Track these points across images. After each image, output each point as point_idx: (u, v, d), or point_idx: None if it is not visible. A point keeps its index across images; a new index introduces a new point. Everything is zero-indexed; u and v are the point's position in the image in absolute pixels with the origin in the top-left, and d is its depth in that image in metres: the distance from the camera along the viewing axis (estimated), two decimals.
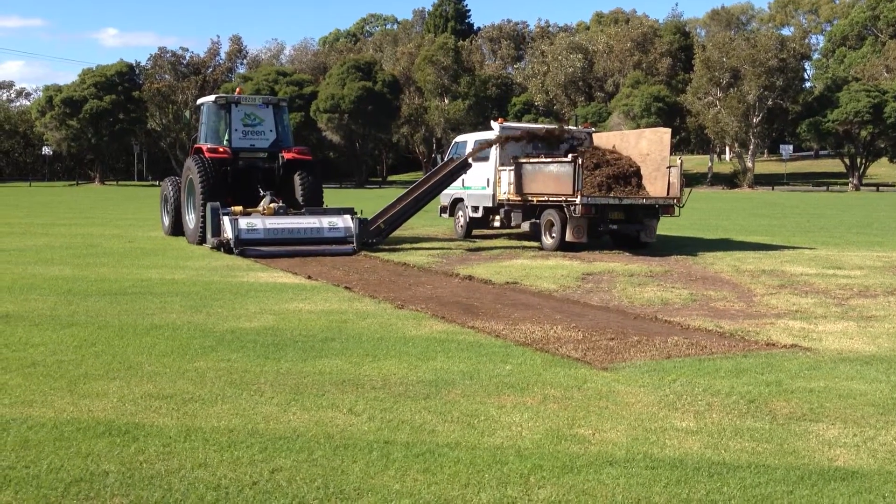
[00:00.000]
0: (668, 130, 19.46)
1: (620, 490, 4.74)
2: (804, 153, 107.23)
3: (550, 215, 18.65)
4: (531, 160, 19.33)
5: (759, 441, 5.57)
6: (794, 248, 19.40)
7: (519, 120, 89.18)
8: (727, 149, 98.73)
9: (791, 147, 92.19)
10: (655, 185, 18.67)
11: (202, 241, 19.06)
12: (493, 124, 21.09)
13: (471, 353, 8.00)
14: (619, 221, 18.51)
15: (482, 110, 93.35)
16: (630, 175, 18.82)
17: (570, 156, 18.13)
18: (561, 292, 12.24)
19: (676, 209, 18.66)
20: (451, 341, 8.56)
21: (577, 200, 17.43)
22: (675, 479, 4.90)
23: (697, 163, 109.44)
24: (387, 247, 19.01)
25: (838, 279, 13.72)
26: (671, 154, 19.02)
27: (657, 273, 14.46)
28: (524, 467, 5.05)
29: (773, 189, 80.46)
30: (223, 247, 17.67)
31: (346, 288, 12.44)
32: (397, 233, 22.28)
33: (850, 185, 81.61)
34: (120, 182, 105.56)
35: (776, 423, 5.96)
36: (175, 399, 6.38)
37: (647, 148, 19.11)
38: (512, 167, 19.57)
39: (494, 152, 20.49)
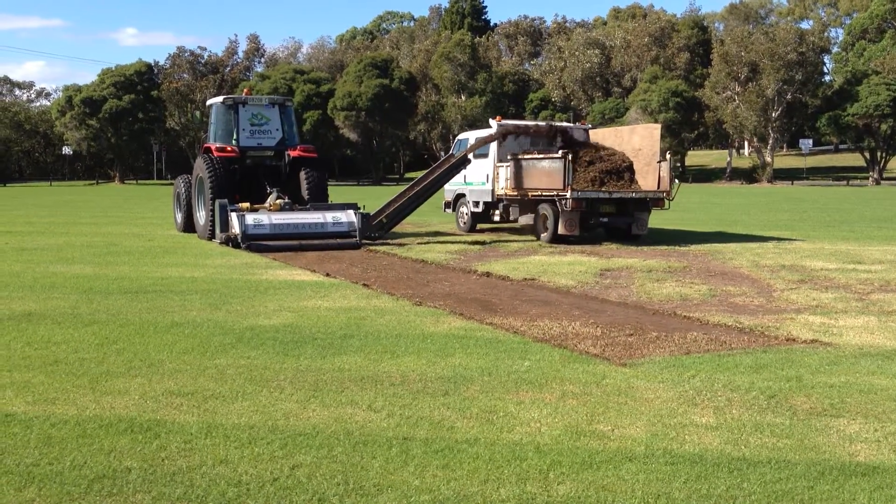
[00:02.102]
0: (659, 126, 20.27)
1: (640, 486, 4.74)
2: (824, 147, 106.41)
3: (545, 209, 19.42)
4: (525, 156, 20.11)
5: (780, 436, 5.55)
6: (813, 242, 19.28)
7: (536, 116, 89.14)
8: (746, 143, 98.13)
9: (810, 141, 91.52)
10: (647, 179, 19.36)
11: (212, 236, 19.67)
12: (492, 122, 21.84)
13: (489, 350, 8.01)
14: (610, 214, 19.34)
15: (499, 107, 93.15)
16: (623, 170, 19.52)
17: (560, 152, 18.90)
18: (579, 288, 12.22)
19: (666, 202, 19.41)
20: (469, 338, 8.57)
21: (568, 195, 18.32)
22: (695, 474, 4.90)
23: (716, 158, 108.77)
24: (404, 242, 19.05)
25: (859, 274, 13.63)
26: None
27: (676, 269, 14.41)
28: (543, 463, 5.06)
29: (792, 184, 79.97)
30: (231, 242, 18.25)
31: (365, 285, 12.47)
32: (414, 228, 22.57)
33: (870, 179, 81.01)
34: (139, 181, 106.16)
35: (796, 418, 5.94)
36: (196, 396, 6.42)
37: (639, 143, 19.78)
38: (509, 163, 20.38)
39: (493, 149, 21.25)
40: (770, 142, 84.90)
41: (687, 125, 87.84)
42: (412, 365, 7.41)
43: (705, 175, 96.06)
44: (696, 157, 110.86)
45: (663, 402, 6.29)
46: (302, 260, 15.95)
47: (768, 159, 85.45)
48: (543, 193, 19.14)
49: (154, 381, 6.86)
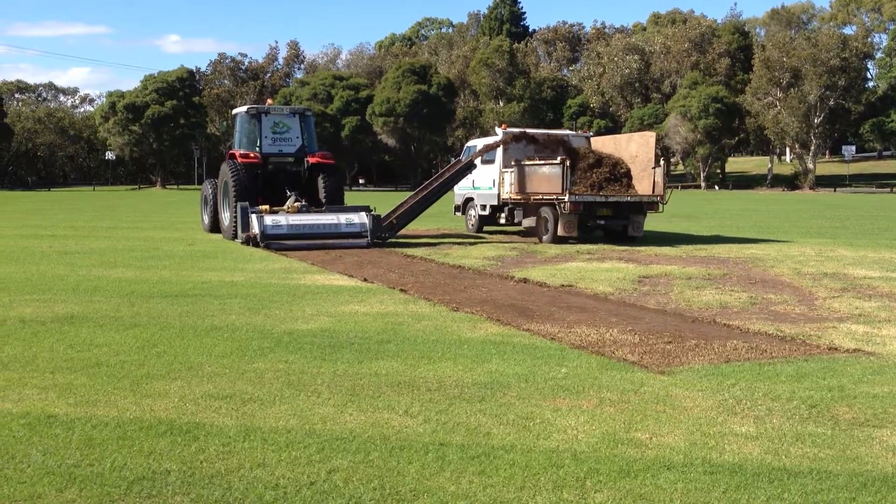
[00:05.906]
0: (654, 134, 21.80)
1: (678, 495, 4.69)
2: (867, 154, 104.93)
3: (545, 212, 20.64)
4: (528, 162, 21.25)
5: (821, 447, 5.47)
6: (856, 250, 18.99)
7: (574, 122, 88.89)
8: (787, 150, 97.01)
9: (853, 148, 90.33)
10: (642, 184, 20.73)
11: (235, 236, 20.96)
12: (497, 129, 23.19)
13: (526, 356, 7.99)
14: (607, 217, 20.75)
15: (537, 113, 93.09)
16: (621, 175, 21.00)
17: (559, 158, 20.15)
18: (617, 295, 12.15)
19: (660, 206, 20.85)
20: (506, 344, 8.55)
21: (566, 199, 19.76)
22: (735, 484, 4.84)
23: (757, 164, 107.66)
24: (441, 246, 19.06)
25: None
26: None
27: (715, 276, 14.27)
28: (580, 471, 5.03)
29: (835, 191, 78.92)
30: (251, 241, 19.57)
31: (402, 290, 12.49)
32: (449, 232, 23.05)
33: None
34: (181, 186, 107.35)
35: (838, 428, 5.85)
36: (234, 399, 6.47)
37: (635, 150, 21.21)
38: (513, 169, 21.53)
39: (499, 155, 22.52)
40: (812, 148, 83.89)
41: (727, 131, 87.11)
42: (449, 370, 7.41)
43: (746, 181, 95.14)
44: (736, 164, 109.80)
45: (702, 411, 6.23)
46: (340, 265, 16.03)
47: (810, 166, 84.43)
48: (544, 197, 20.47)
49: (193, 384, 6.92)
